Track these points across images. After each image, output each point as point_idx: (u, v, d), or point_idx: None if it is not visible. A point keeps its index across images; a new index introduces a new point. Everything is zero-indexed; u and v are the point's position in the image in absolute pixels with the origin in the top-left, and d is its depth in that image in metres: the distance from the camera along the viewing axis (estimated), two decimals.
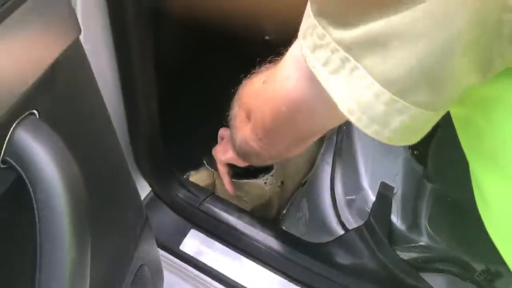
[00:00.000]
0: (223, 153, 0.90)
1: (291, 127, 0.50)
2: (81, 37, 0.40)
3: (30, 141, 0.34)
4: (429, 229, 0.93)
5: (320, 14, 0.37)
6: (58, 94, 0.37)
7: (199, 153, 1.05)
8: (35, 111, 0.36)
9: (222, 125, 0.97)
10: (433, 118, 0.37)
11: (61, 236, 0.33)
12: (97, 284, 0.46)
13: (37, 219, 0.34)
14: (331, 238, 0.94)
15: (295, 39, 0.43)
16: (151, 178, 0.96)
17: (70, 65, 0.38)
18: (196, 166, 1.08)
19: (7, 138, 0.33)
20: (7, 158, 0.33)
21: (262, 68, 0.60)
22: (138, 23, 0.69)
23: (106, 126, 0.46)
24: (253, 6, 0.96)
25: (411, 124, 0.36)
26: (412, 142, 0.39)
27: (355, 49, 0.35)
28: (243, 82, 0.64)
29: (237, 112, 0.65)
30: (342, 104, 0.37)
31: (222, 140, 0.94)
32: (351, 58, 0.35)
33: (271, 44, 1.45)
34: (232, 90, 0.69)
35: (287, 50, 0.47)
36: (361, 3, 0.34)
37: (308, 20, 0.39)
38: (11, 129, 0.33)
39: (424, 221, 0.94)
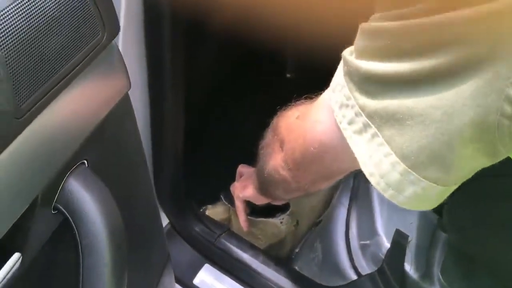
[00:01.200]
0: (242, 190, 0.92)
1: (319, 164, 0.53)
2: None
3: (80, 190, 0.36)
4: (441, 279, 0.93)
5: (349, 76, 0.40)
6: (106, 145, 0.40)
7: (217, 187, 1.08)
8: (85, 161, 0.38)
9: (241, 162, 1.00)
10: (445, 192, 0.40)
11: (101, 284, 0.35)
12: None
13: (80, 264, 0.36)
14: (344, 282, 0.95)
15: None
16: (169, 211, 0.98)
17: (119, 118, 0.41)
18: (214, 200, 1.10)
19: (60, 187, 0.36)
20: (58, 205, 0.36)
21: (298, 102, 0.63)
22: (173, 63, 0.73)
23: (143, 173, 0.49)
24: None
25: (424, 194, 0.39)
26: (427, 209, 0.42)
27: (376, 118, 0.38)
28: (279, 113, 0.67)
29: (270, 140, 0.68)
30: (364, 165, 0.40)
31: (241, 177, 0.96)
32: (372, 125, 0.38)
33: (293, 82, 1.49)
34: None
35: (319, 93, 0.50)
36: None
37: (339, 76, 0.42)
38: (64, 178, 0.36)
39: (436, 271, 0.95)
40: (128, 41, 0.65)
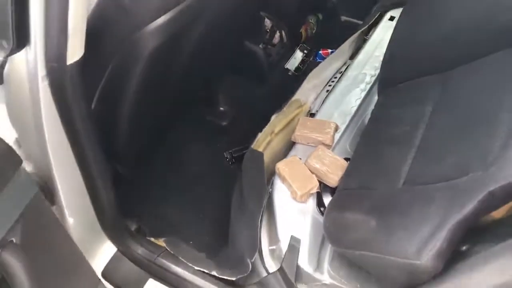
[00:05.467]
0: None
1: None
2: None
3: (11, 259, 0.63)
4: (330, 271, 1.21)
5: None
6: (27, 226, 0.67)
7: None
8: (13, 239, 0.65)
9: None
10: None
11: None
12: None
13: None
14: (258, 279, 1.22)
15: None
16: (115, 241, 1.25)
17: (34, 210, 0.68)
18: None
19: None
20: None
21: None
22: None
23: (63, 236, 0.76)
24: None
25: None
26: None
27: None
28: None
29: None
30: None
31: None
32: None
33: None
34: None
35: None
36: None
37: None
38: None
39: (326, 264, 1.22)
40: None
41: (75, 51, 0.78)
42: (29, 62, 0.75)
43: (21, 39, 0.73)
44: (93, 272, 0.92)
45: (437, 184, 0.99)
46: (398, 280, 0.99)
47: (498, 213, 0.94)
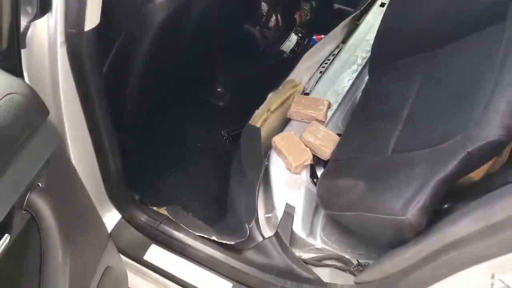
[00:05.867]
0: None
1: None
2: None
3: (37, 199, 0.70)
4: (322, 236, 1.30)
5: None
6: (52, 175, 0.74)
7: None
8: (39, 184, 0.72)
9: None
10: None
11: (54, 248, 0.69)
12: (78, 273, 0.82)
13: (42, 246, 0.70)
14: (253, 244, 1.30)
15: None
16: (120, 208, 1.32)
17: (57, 160, 0.75)
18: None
19: (26, 198, 0.70)
20: (27, 208, 0.70)
21: None
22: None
23: (79, 186, 0.83)
24: None
25: None
26: None
27: None
28: None
29: None
30: None
31: None
32: None
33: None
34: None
35: None
36: None
37: None
38: (28, 193, 0.70)
39: (319, 230, 1.31)
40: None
41: (92, 19, 0.84)
42: (50, 28, 0.82)
43: (44, 6, 0.80)
44: (104, 227, 0.99)
45: (422, 151, 1.07)
46: (385, 238, 1.08)
47: (477, 175, 1.03)
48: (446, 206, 0.99)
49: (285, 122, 1.55)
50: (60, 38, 0.84)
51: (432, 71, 1.29)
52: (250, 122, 1.52)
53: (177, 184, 1.64)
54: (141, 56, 1.06)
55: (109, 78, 1.07)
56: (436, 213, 0.98)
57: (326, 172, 1.30)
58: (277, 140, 1.40)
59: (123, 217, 1.34)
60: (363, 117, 1.39)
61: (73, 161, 1.04)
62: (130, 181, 1.32)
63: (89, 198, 0.88)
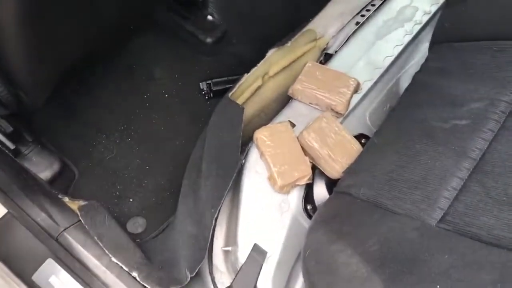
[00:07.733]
0: None
1: None
2: None
3: None
4: None
5: None
6: None
7: None
8: None
9: None
10: None
11: None
12: None
13: None
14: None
15: None
16: (5, 200, 0.86)
17: None
18: None
19: None
20: None
21: None
22: None
23: None
24: None
25: None
26: None
27: None
28: None
29: None
30: None
31: None
32: None
33: None
34: None
35: None
36: None
37: None
38: None
39: None
40: None
41: None
42: None
43: None
44: None
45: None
46: None
47: None
48: None
49: (286, 98, 1.02)
50: None
51: None
52: (231, 93, 0.99)
53: (121, 152, 1.17)
54: None
55: None
56: None
57: (323, 214, 0.80)
58: (261, 136, 0.89)
59: (8, 212, 0.89)
60: (411, 123, 0.85)
61: None
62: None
63: None
